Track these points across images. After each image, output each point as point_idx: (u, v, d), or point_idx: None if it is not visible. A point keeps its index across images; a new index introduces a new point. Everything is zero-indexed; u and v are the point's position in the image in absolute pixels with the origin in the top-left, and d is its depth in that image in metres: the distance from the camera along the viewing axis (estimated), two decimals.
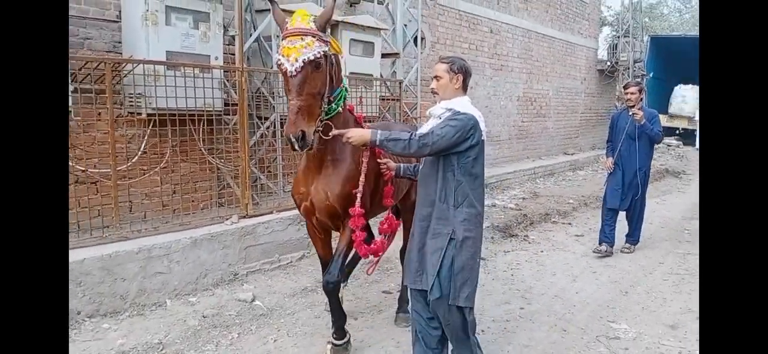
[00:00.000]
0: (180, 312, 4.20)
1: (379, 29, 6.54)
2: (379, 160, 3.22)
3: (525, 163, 12.05)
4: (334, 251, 3.31)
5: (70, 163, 4.19)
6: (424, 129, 2.83)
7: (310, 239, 3.67)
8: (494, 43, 11.33)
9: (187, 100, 4.61)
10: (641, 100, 5.91)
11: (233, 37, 5.08)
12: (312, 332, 3.94)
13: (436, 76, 2.86)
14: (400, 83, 6.87)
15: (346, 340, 3.47)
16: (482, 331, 4.05)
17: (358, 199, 3.06)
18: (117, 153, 4.37)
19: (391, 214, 3.53)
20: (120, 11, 4.68)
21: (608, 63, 16.37)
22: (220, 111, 5.02)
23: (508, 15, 11.76)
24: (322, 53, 2.70)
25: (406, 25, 7.35)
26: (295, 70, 2.63)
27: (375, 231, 3.82)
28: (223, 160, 5.23)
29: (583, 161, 13.78)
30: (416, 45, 7.39)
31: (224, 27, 5.06)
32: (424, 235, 2.86)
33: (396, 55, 6.93)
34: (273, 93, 5.46)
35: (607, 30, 26.39)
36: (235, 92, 5.03)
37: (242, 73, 4.95)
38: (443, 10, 9.76)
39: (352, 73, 6.22)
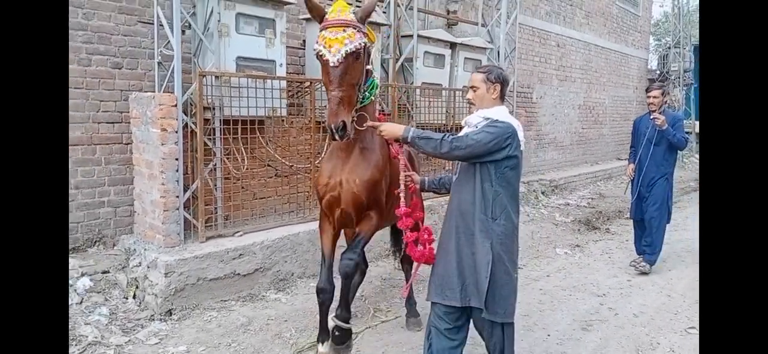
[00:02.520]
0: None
1: (486, 48, 7.65)
2: (405, 174, 3.07)
3: (586, 168, 12.98)
4: (355, 236, 3.19)
5: (279, 159, 5.40)
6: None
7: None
8: (560, 56, 12.32)
9: None
10: (665, 103, 5.56)
11: (386, 59, 6.24)
12: None
13: (472, 87, 2.79)
14: None
15: (349, 326, 3.32)
16: (604, 294, 5.10)
17: (402, 199, 2.97)
18: (304, 153, 5.57)
19: (427, 226, 3.29)
20: (304, 40, 5.88)
21: (658, 72, 17.15)
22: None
23: (572, 30, 12.74)
24: (361, 44, 2.71)
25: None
26: (337, 61, 2.63)
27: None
28: None
29: None
30: (510, 61, 8.48)
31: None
32: (462, 249, 2.73)
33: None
34: (411, 104, 6.60)
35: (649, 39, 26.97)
36: (387, 104, 6.19)
37: (395, 89, 6.11)
38: (520, 27, 10.80)
39: (464, 86, 7.35)
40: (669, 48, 17.21)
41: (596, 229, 7.95)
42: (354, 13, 2.76)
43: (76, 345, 3.48)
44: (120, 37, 4.99)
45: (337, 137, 2.68)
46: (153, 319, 3.94)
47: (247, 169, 5.02)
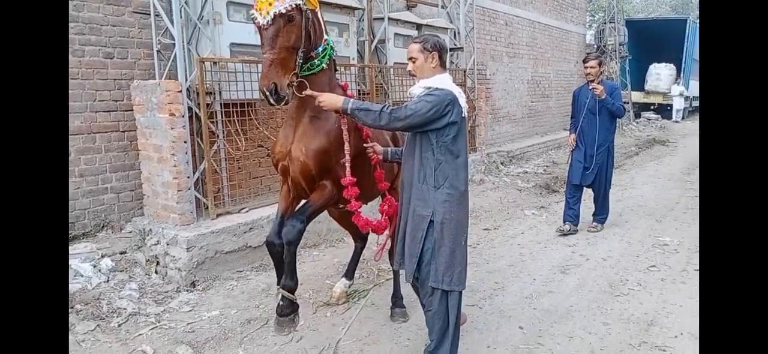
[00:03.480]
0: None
1: (448, 29, 8.14)
2: (365, 145, 3.12)
3: (537, 139, 13.82)
4: (305, 202, 3.09)
5: (272, 139, 5.66)
6: None
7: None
8: (508, 34, 13.01)
9: None
10: (602, 74, 5.78)
11: (361, 41, 6.60)
12: None
13: (411, 58, 2.78)
14: (464, 72, 8.50)
15: (294, 298, 3.09)
16: (574, 245, 5.73)
17: (347, 169, 2.94)
18: None
19: (389, 196, 3.41)
20: None
21: (595, 46, 18.29)
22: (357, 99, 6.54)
23: (518, 9, 13.46)
24: (293, 6, 2.63)
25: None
26: (267, 23, 2.60)
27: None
28: None
29: None
30: (469, 40, 9.01)
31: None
32: (406, 218, 2.83)
33: (460, 49, 8.54)
34: (387, 83, 7.00)
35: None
36: (365, 84, 6.56)
37: (371, 69, 6.49)
38: (466, 5, 11.38)
39: None
40: (604, 23, 18.35)
41: (556, 192, 8.67)
42: None
43: (117, 317, 3.71)
44: (109, 27, 5.11)
45: (271, 101, 2.61)
46: (179, 291, 4.19)
47: (245, 149, 5.28)
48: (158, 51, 4.83)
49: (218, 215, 4.86)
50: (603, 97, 5.59)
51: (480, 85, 9.32)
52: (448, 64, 2.81)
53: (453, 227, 2.73)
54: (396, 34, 7.19)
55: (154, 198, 4.77)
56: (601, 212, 6.23)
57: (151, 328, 3.65)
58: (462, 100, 2.72)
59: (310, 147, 2.92)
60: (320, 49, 2.90)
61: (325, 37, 2.97)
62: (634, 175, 10.11)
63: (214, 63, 4.81)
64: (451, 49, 8.34)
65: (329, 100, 2.78)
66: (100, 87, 5.02)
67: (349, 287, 4.35)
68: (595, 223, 6.23)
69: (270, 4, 2.60)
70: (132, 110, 4.97)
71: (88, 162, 4.93)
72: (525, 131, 13.92)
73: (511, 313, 4.06)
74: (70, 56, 4.78)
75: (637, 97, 19.60)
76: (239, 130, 5.22)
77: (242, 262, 4.79)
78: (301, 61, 2.73)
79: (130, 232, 4.84)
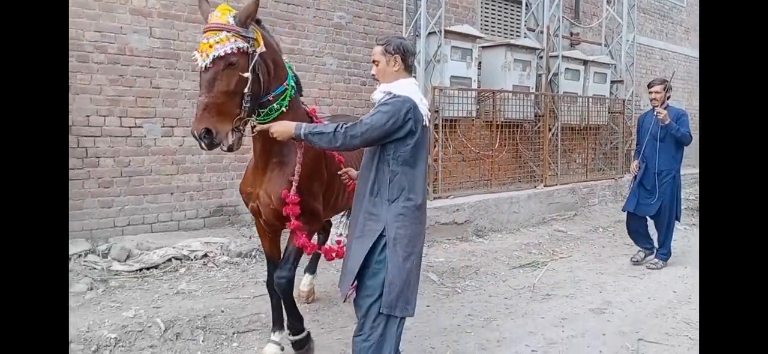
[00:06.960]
0: (532, 234, 7.34)
1: (610, 64, 9.46)
2: (340, 173, 3.05)
3: (690, 169, 14.25)
4: (285, 251, 3.10)
5: (470, 147, 7.50)
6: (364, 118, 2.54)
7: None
8: (663, 68, 13.73)
9: (520, 113, 7.83)
10: (668, 98, 5.45)
11: (539, 75, 8.25)
12: (608, 252, 6.88)
13: (373, 61, 2.63)
14: (623, 102, 9.74)
15: (304, 334, 3.29)
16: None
17: (294, 187, 2.89)
18: (482, 143, 7.65)
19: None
20: (480, 62, 8.00)
21: None
22: (533, 120, 8.18)
23: (674, 44, 14.13)
24: (235, 49, 2.54)
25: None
26: (204, 66, 2.52)
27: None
28: (529, 151, 8.39)
29: None
30: (630, 74, 10.21)
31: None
32: (353, 235, 2.61)
33: (620, 81, 9.80)
34: (557, 108, 8.54)
35: None
36: (540, 108, 8.18)
37: (546, 97, 8.10)
38: (627, 44, 12.43)
39: (594, 95, 9.18)
40: None
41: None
42: (234, 17, 2.61)
43: None
44: (366, 63, 7.30)
45: (202, 146, 2.56)
46: None
47: (455, 151, 7.17)
48: None
49: (435, 197, 6.77)
50: (667, 122, 5.28)
51: (636, 115, 10.39)
52: (413, 68, 2.72)
53: (405, 245, 2.50)
54: (566, 68, 8.71)
55: None
56: (662, 247, 5.72)
57: None
58: (423, 107, 2.55)
59: (276, 194, 2.96)
60: (280, 90, 2.84)
61: (288, 74, 2.93)
62: None
63: (441, 90, 6.76)
64: (612, 82, 9.62)
65: (280, 129, 2.69)
66: (357, 105, 7.22)
67: (313, 282, 4.43)
68: (656, 259, 5.72)
69: (210, 47, 2.53)
70: None
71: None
72: (684, 161, 14.37)
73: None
74: (342, 84, 7.05)
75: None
76: (448, 139, 7.13)
77: (450, 233, 6.63)
78: (247, 104, 2.65)
79: None
